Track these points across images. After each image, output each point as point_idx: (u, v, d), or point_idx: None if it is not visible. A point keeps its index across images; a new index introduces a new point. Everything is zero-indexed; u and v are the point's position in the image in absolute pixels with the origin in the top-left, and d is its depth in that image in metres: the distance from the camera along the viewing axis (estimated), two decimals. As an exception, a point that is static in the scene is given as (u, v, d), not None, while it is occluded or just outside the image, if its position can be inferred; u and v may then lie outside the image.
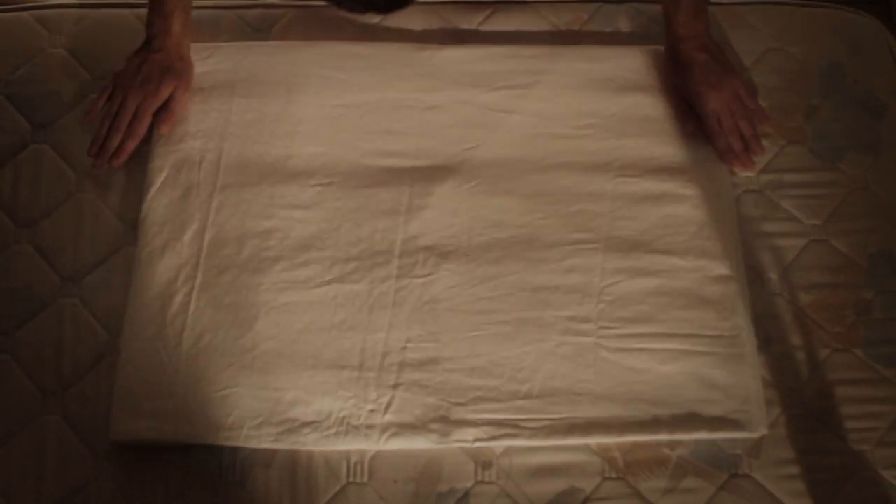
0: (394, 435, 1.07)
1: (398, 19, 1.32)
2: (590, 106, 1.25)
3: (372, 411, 1.08)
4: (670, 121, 1.24)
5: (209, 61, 1.27)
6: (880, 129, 1.27)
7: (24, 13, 1.33)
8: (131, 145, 1.21)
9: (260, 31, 1.33)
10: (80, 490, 1.07)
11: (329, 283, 1.14)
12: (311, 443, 1.07)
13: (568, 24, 1.33)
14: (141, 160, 1.22)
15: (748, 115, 1.23)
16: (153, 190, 1.19)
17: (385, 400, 1.08)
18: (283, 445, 1.07)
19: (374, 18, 1.32)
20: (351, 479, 1.07)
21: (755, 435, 1.08)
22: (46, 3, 1.35)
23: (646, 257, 1.16)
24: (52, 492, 1.07)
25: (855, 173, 1.24)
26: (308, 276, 1.14)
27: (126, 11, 1.33)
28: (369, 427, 1.07)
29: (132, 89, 1.22)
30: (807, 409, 1.11)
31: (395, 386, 1.09)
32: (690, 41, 1.22)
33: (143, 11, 1.32)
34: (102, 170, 1.22)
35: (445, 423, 1.08)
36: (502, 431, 1.07)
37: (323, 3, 1.33)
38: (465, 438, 1.07)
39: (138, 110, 1.21)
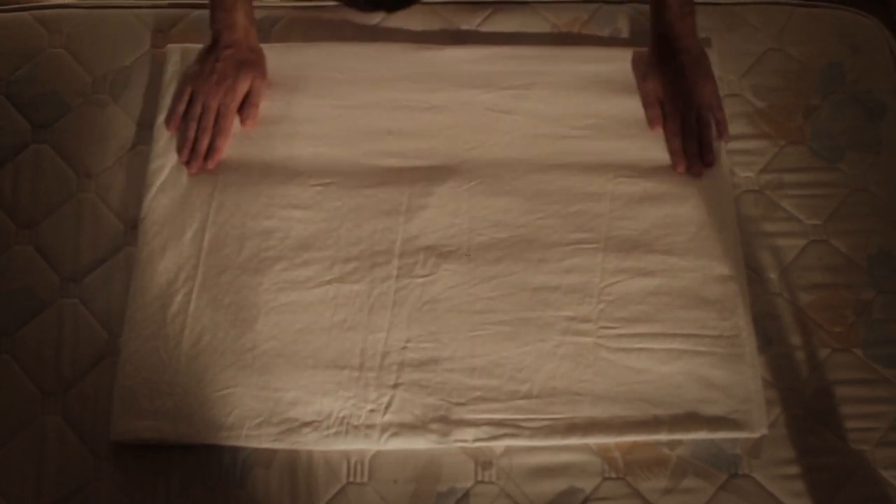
0: (394, 435, 1.07)
1: (398, 19, 1.32)
2: (590, 106, 1.25)
3: (372, 411, 1.08)
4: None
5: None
6: (880, 129, 1.27)
7: (24, 13, 1.33)
8: (223, 143, 1.19)
9: (260, 31, 1.32)
10: (80, 490, 1.07)
11: (329, 283, 1.14)
12: (311, 443, 1.07)
13: (568, 25, 1.33)
14: (141, 160, 1.22)
15: (710, 123, 1.21)
16: (153, 190, 1.19)
17: (385, 400, 1.08)
18: (283, 445, 1.07)
19: (376, 18, 1.31)
20: (351, 479, 1.07)
21: (755, 435, 1.08)
22: (46, 3, 1.35)
23: (646, 257, 1.16)
24: (52, 492, 1.07)
25: (855, 173, 1.24)
26: (308, 276, 1.14)
27: (126, 11, 1.33)
28: (369, 427, 1.07)
29: (211, 89, 1.20)
30: (807, 409, 1.11)
31: (395, 386, 1.09)
32: (680, 39, 1.21)
33: (143, 11, 1.33)
34: (104, 171, 1.22)
35: (445, 422, 1.08)
36: (502, 431, 1.07)
37: (323, 4, 1.34)
38: (465, 438, 1.07)
39: (221, 108, 1.20)
